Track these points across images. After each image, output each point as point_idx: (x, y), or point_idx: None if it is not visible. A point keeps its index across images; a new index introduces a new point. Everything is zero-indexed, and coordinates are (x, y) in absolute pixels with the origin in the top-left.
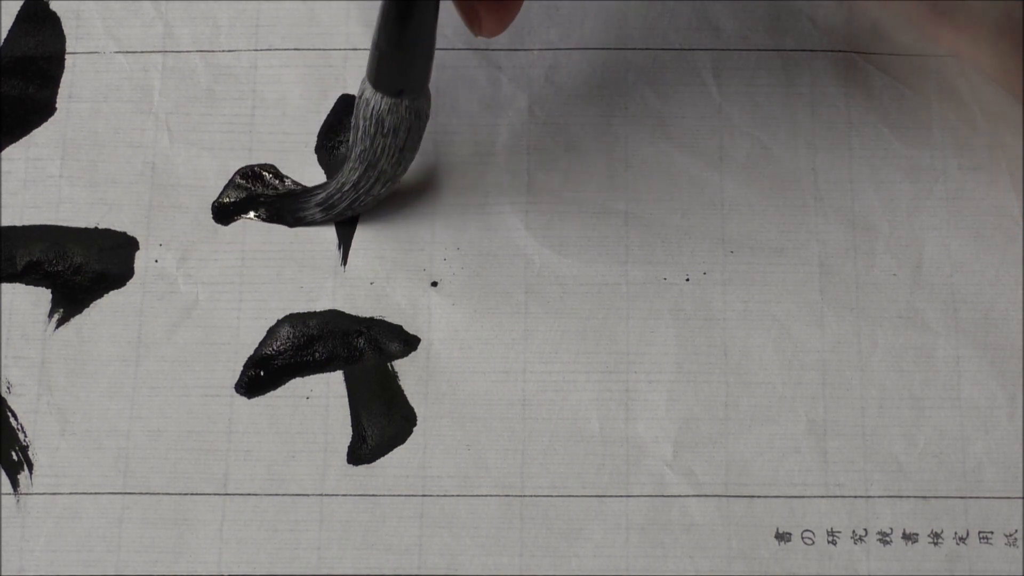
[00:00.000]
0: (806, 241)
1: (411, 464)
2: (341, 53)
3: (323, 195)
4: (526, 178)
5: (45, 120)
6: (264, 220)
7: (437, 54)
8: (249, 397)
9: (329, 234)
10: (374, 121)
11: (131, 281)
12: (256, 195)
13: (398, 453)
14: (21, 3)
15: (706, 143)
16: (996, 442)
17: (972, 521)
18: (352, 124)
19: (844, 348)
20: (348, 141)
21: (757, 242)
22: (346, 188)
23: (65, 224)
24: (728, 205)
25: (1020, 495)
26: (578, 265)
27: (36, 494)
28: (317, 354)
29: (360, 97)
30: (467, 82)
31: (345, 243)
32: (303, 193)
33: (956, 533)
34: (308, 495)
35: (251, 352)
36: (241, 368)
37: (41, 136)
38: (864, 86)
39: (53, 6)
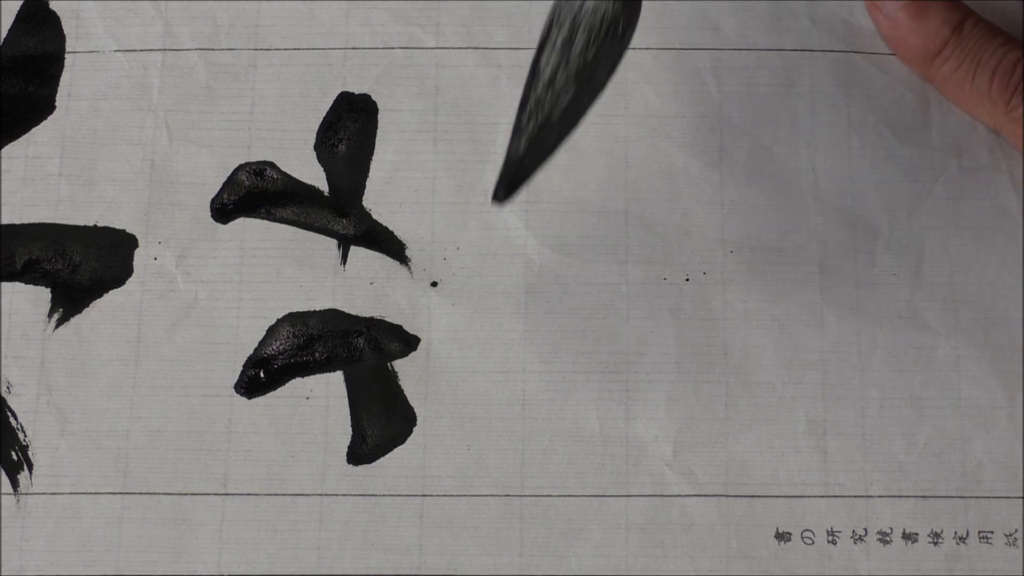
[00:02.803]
0: (806, 241)
1: (411, 464)
2: (340, 52)
3: (523, 147)
4: None
5: (45, 118)
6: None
7: (437, 53)
8: (249, 397)
9: (328, 232)
10: (605, 27)
11: (130, 280)
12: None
13: (398, 453)
14: (21, 2)
15: (706, 143)
16: (996, 442)
17: (972, 521)
18: (556, 41)
19: (844, 348)
20: (540, 61)
21: (757, 242)
22: (554, 119)
23: (64, 222)
24: (728, 205)
25: (1020, 495)
26: (578, 265)
27: (36, 494)
28: (317, 354)
29: (580, 10)
30: (467, 81)
31: (345, 242)
32: (504, 166)
33: (956, 533)
34: (308, 495)
35: (251, 352)
36: (241, 368)
37: (41, 134)
38: (864, 86)
39: (53, 5)
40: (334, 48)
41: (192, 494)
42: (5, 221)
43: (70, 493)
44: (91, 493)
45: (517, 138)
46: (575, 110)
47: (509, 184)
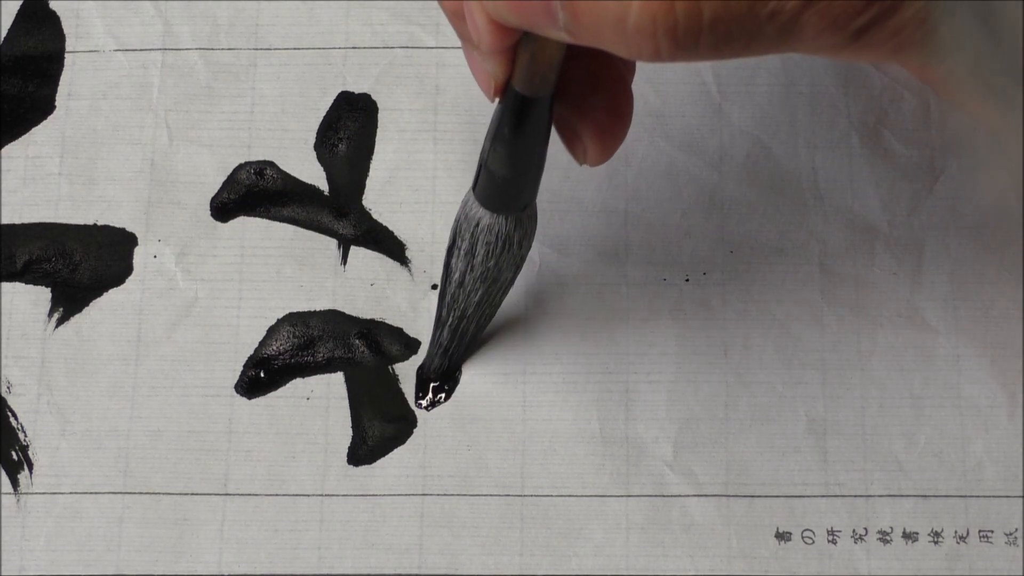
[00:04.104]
0: (806, 241)
1: (411, 464)
2: (340, 52)
3: (446, 333)
4: None
5: (45, 118)
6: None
7: (437, 53)
8: (249, 397)
9: (328, 232)
10: (501, 242)
11: (130, 278)
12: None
13: (398, 453)
14: (21, 2)
15: (706, 143)
16: (996, 441)
17: (972, 520)
18: (461, 250)
19: (844, 347)
20: (450, 265)
21: (757, 242)
22: (469, 312)
23: (64, 222)
24: (728, 205)
25: (1020, 494)
26: (578, 265)
27: (36, 494)
28: (318, 355)
29: (476, 225)
30: (467, 81)
31: (345, 242)
32: (430, 348)
33: (956, 532)
34: (308, 495)
35: (251, 352)
36: (241, 368)
37: (41, 134)
38: (864, 86)
39: (53, 5)
40: (334, 48)
41: (193, 494)
42: (5, 221)
43: (70, 493)
44: (91, 493)
45: (439, 328)
46: (486, 304)
47: (438, 367)
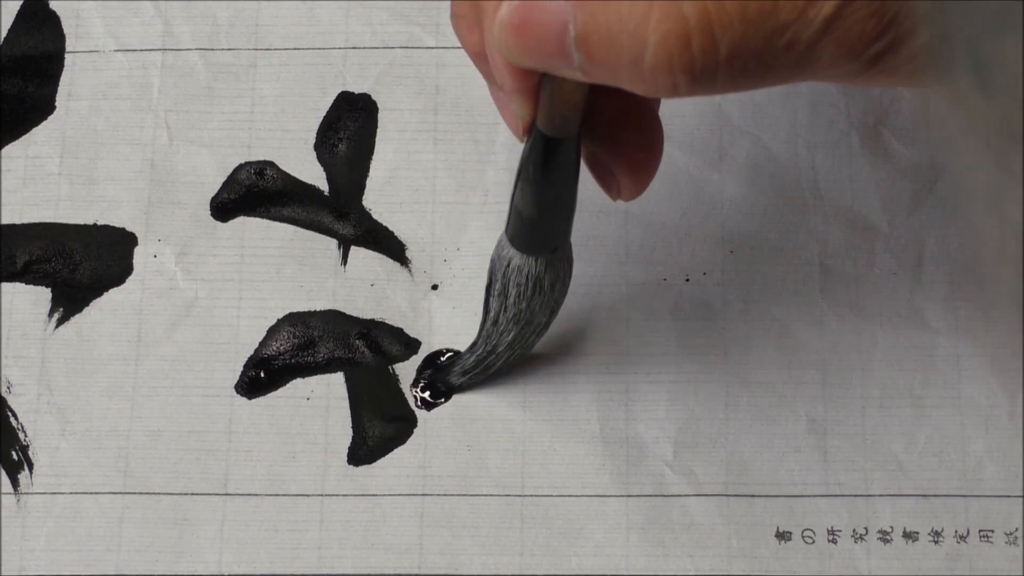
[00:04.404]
0: (806, 241)
1: (411, 464)
2: (340, 52)
3: (473, 360)
4: None
5: (45, 118)
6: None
7: (437, 53)
8: (249, 397)
9: (328, 232)
10: (532, 284)
11: (130, 278)
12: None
13: (398, 453)
14: (21, 2)
15: (706, 143)
16: (996, 440)
17: (973, 520)
18: (496, 290)
19: (844, 347)
20: (488, 303)
21: (757, 242)
22: (500, 349)
23: (64, 221)
24: (728, 205)
25: (1020, 494)
26: (578, 265)
27: (36, 494)
28: (318, 355)
29: (508, 265)
30: (467, 81)
31: (345, 242)
32: (450, 363)
33: (957, 532)
34: (308, 495)
35: (251, 352)
36: (241, 368)
37: (41, 134)
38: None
39: (53, 5)
40: (334, 48)
41: (193, 494)
42: (5, 221)
43: (70, 493)
44: (91, 493)
45: (469, 353)
46: (519, 344)
47: (449, 383)
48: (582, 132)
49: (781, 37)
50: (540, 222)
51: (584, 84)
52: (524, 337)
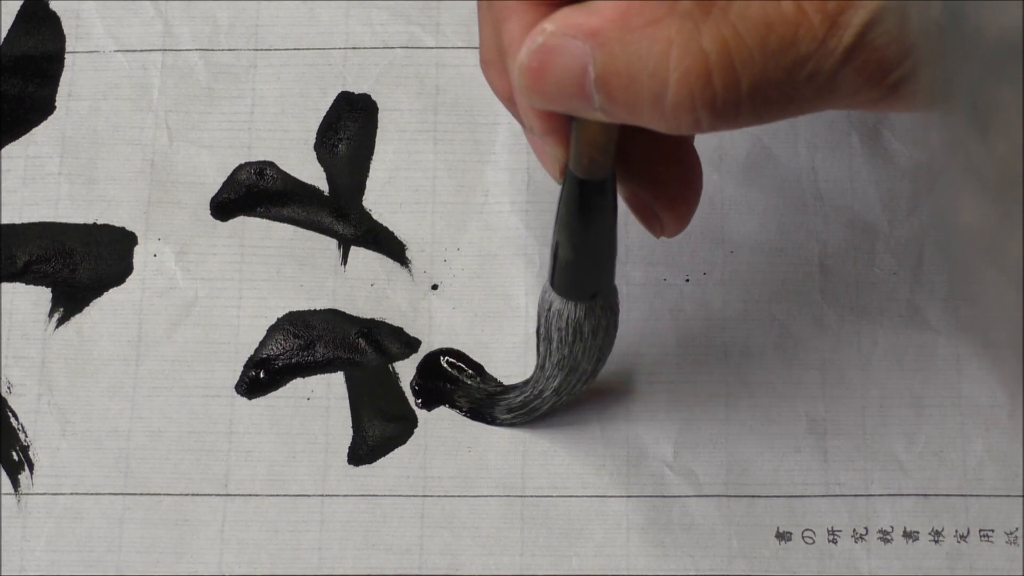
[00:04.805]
0: (806, 241)
1: (412, 464)
2: (341, 52)
3: (520, 399)
4: (526, 178)
5: (45, 118)
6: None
7: (437, 53)
8: (250, 398)
9: (329, 232)
10: (572, 329)
11: (130, 278)
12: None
13: (399, 453)
14: (21, 2)
15: (706, 143)
16: (997, 440)
17: (973, 519)
18: (541, 334)
19: (844, 347)
20: (537, 346)
21: (757, 242)
22: (546, 394)
23: (64, 221)
24: (728, 205)
25: (1021, 493)
26: None
27: (37, 494)
28: (318, 355)
29: (549, 309)
30: (467, 81)
31: (345, 242)
32: (499, 394)
33: (957, 531)
34: (309, 495)
35: (251, 352)
36: (241, 368)
37: (41, 134)
38: None
39: (53, 5)
40: (334, 48)
41: (193, 495)
42: (5, 221)
43: (71, 493)
44: (92, 494)
45: (518, 392)
46: (565, 392)
47: (499, 423)
48: (617, 172)
49: (802, 68)
50: (578, 266)
51: (611, 125)
52: (570, 384)
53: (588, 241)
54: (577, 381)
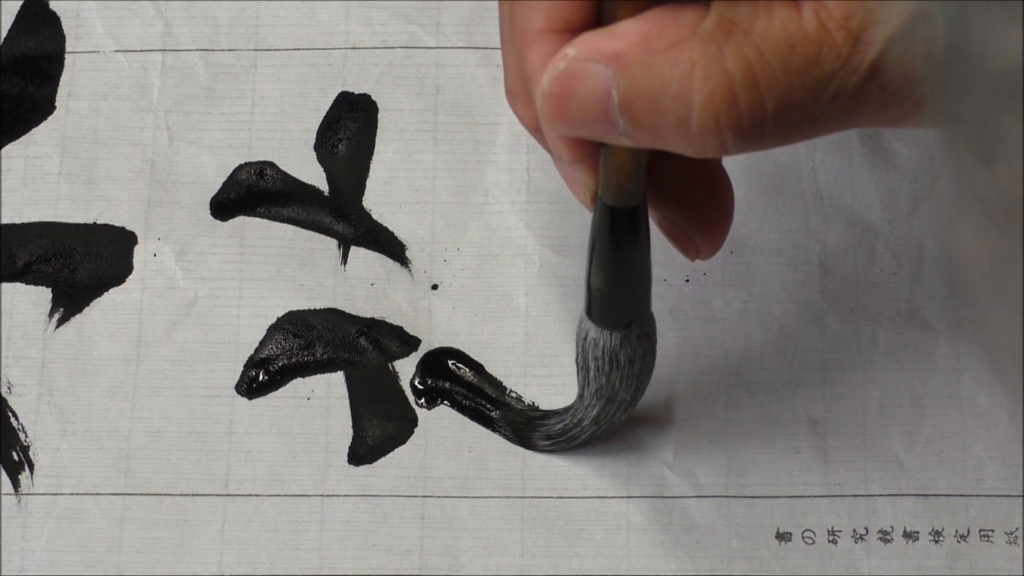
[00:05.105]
0: (806, 241)
1: (412, 465)
2: (341, 52)
3: (560, 427)
4: (526, 178)
5: (45, 118)
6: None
7: (437, 53)
8: (250, 398)
9: (329, 232)
10: (608, 359)
11: (130, 277)
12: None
13: (399, 454)
14: (21, 2)
15: None
16: (997, 440)
17: (973, 519)
18: (579, 364)
19: (844, 347)
20: (577, 375)
21: (757, 242)
22: (585, 423)
23: (64, 221)
24: None
25: (1021, 493)
26: (578, 266)
27: (37, 494)
28: (318, 354)
29: (585, 338)
30: (467, 81)
31: (345, 242)
32: (539, 419)
33: (957, 531)
34: (309, 496)
35: (251, 351)
36: (241, 368)
37: (41, 134)
38: None
39: (53, 5)
40: (334, 48)
41: (193, 495)
42: (5, 221)
43: (71, 494)
44: (92, 494)
45: (557, 419)
46: (604, 421)
47: (536, 449)
48: (648, 197)
49: (827, 87)
50: (611, 295)
51: (639, 150)
52: (608, 413)
53: (621, 269)
54: (616, 410)
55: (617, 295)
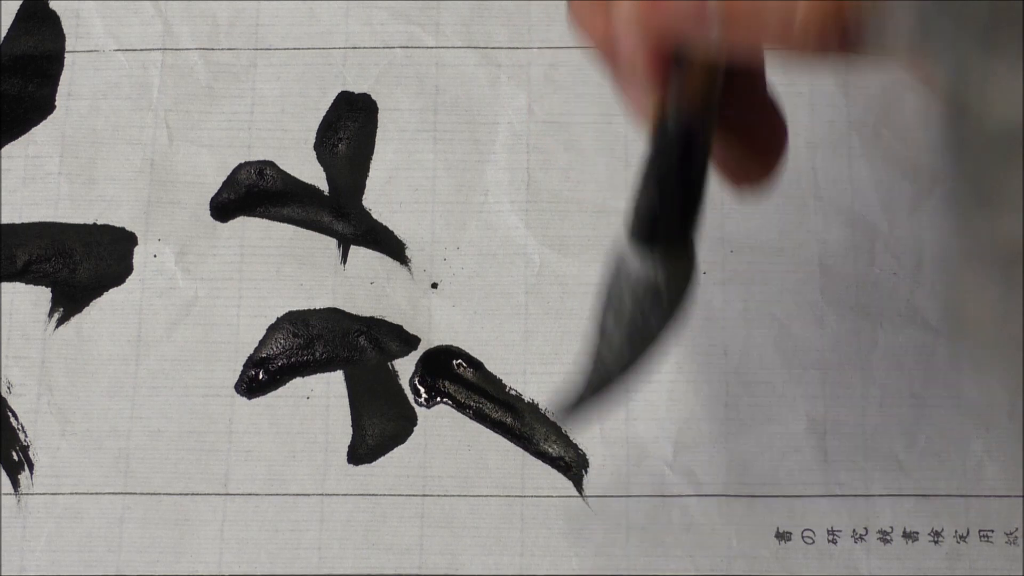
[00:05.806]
0: (806, 241)
1: (412, 464)
2: (340, 52)
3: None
4: (526, 177)
5: (44, 118)
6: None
7: (437, 52)
8: (249, 397)
9: (328, 232)
10: (643, 286)
11: (130, 277)
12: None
13: (399, 453)
14: (21, 2)
15: None
16: (996, 440)
17: (972, 519)
18: (611, 306)
19: (844, 347)
20: (602, 312)
21: (757, 242)
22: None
23: (64, 221)
24: (728, 205)
25: (1020, 494)
26: (578, 265)
27: (37, 494)
28: (318, 353)
29: (622, 262)
30: (467, 81)
31: (345, 242)
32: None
33: (956, 531)
34: (309, 495)
35: (251, 351)
36: (241, 368)
37: (40, 134)
38: (864, 86)
39: (53, 5)
40: (334, 48)
41: (193, 494)
42: (5, 221)
43: (71, 493)
44: (92, 493)
45: (582, 378)
46: (632, 359)
47: (572, 411)
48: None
49: None
50: (665, 214)
51: (715, 71)
52: (633, 343)
53: (682, 190)
54: (644, 348)
55: (672, 215)
